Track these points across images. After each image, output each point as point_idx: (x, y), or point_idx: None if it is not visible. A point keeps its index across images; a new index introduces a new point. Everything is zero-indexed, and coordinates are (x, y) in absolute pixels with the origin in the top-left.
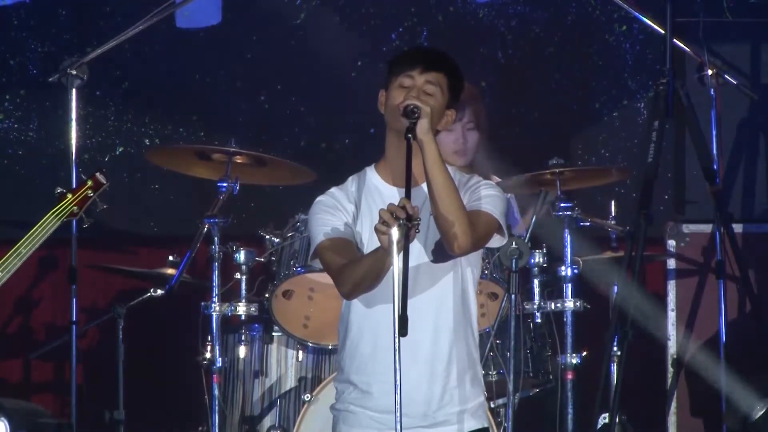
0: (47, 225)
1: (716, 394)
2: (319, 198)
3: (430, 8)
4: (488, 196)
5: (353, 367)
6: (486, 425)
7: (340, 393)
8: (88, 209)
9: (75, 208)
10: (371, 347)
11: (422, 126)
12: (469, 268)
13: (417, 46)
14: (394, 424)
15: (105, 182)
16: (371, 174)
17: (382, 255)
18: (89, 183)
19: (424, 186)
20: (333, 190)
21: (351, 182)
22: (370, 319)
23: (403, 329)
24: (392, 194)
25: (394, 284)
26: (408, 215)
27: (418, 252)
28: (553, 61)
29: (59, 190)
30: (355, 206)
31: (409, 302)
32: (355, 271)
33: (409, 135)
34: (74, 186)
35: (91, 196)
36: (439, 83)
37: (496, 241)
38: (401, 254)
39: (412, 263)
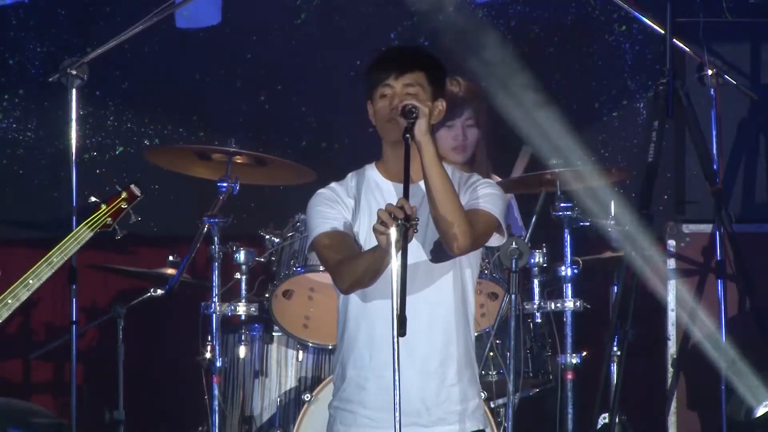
0: (80, 236)
1: (716, 393)
2: (320, 191)
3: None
4: (488, 194)
5: (350, 360)
6: (482, 427)
7: (336, 389)
8: (122, 221)
9: (108, 219)
10: (368, 343)
11: (420, 127)
12: (468, 268)
13: (389, 48)
14: (389, 422)
15: (139, 194)
16: (371, 171)
17: (380, 254)
18: (123, 195)
19: (421, 184)
20: (333, 184)
21: (351, 178)
22: (366, 313)
23: (401, 329)
24: (392, 190)
25: (393, 284)
26: (406, 215)
27: (417, 250)
28: (553, 61)
29: (93, 199)
30: (354, 201)
31: (408, 300)
32: (353, 268)
33: (407, 135)
34: (74, 191)
35: (125, 208)
36: (418, 82)
37: (496, 240)
38: (399, 254)
39: (410, 261)
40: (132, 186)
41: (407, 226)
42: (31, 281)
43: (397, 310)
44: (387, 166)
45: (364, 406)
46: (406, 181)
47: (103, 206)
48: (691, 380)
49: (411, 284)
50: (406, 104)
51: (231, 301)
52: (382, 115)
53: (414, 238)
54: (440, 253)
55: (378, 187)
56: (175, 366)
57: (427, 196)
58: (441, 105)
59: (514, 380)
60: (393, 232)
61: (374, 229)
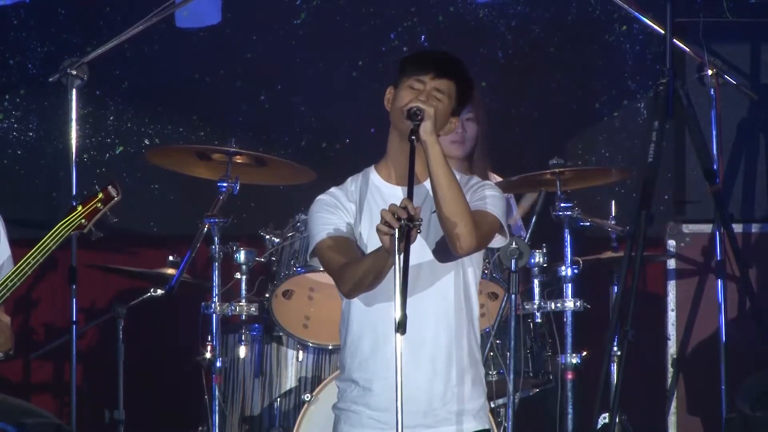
0: (57, 235)
1: (716, 393)
2: (320, 197)
3: (430, 8)
4: (491, 196)
5: (354, 364)
6: (487, 427)
7: (342, 392)
8: (98, 222)
9: (83, 220)
10: (372, 344)
11: (426, 128)
12: (471, 268)
13: (433, 50)
14: (394, 422)
15: (116, 196)
16: (372, 174)
17: (383, 255)
18: (100, 195)
19: (426, 183)
20: (333, 189)
21: (351, 182)
22: (370, 316)
23: (401, 327)
24: (393, 192)
25: (396, 283)
26: (410, 215)
27: (420, 250)
28: (553, 61)
29: (73, 203)
30: (355, 205)
31: (411, 300)
32: (356, 270)
33: (413, 137)
34: (73, 191)
35: (101, 209)
36: (448, 91)
37: (498, 242)
38: (402, 254)
39: (413, 261)
40: (109, 187)
41: (410, 226)
42: (9, 284)
43: (398, 308)
44: (389, 166)
45: (369, 407)
46: (411, 182)
47: (80, 207)
48: (692, 381)
49: (414, 284)
50: (411, 107)
51: (231, 301)
52: (400, 102)
53: (417, 239)
54: (444, 253)
55: (379, 191)
56: (175, 366)
57: (433, 196)
58: (455, 122)
59: (514, 380)
60: (396, 232)
61: (378, 230)
